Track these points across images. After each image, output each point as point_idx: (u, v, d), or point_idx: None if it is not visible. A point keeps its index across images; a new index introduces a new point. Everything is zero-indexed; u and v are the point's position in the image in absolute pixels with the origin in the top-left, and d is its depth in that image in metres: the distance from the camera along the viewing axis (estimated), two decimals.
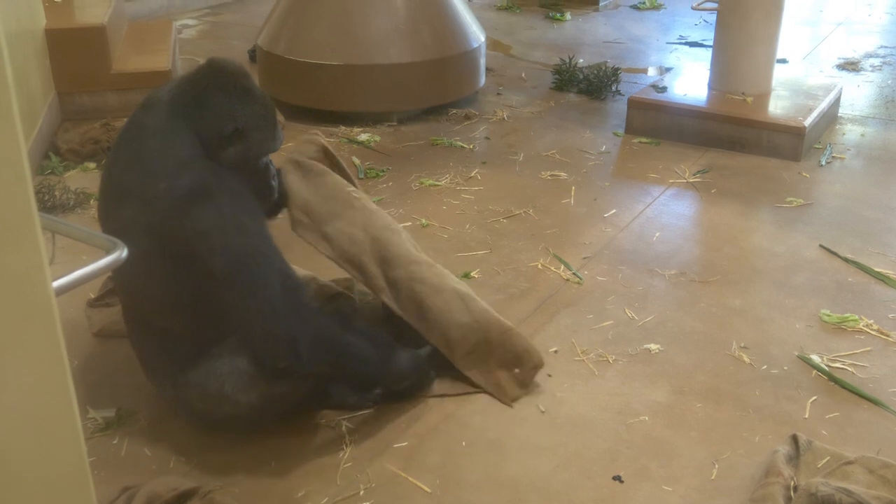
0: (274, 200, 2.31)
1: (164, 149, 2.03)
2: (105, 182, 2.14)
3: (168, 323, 2.13)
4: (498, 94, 4.88)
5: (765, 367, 2.53)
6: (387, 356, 2.26)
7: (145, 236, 1.95)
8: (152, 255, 1.96)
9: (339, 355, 2.14)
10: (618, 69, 4.99)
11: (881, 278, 2.98)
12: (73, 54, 4.20)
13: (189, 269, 1.99)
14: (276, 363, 2.06)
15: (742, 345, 2.63)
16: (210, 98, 2.07)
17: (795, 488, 2.00)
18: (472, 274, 2.99)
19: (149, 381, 2.27)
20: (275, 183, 2.27)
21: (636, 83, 4.96)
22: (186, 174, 1.99)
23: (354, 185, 2.52)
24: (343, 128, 4.29)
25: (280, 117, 4.27)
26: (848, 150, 4.11)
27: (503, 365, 2.40)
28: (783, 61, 5.10)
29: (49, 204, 3.39)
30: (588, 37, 6.11)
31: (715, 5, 4.53)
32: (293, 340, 2.03)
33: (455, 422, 2.30)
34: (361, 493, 2.06)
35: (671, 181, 3.76)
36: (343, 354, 2.15)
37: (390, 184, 3.71)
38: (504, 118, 4.50)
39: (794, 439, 2.17)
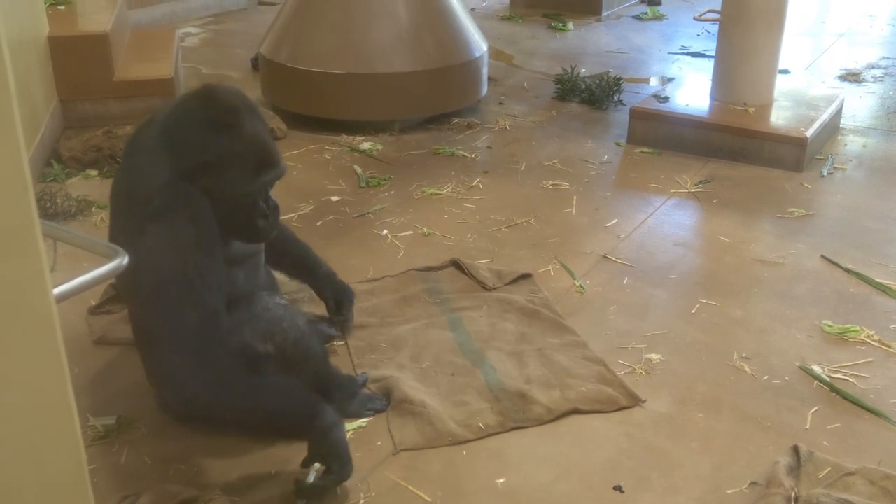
0: (262, 239, 2.24)
1: (149, 168, 2.04)
2: (111, 190, 2.19)
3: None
4: (500, 103, 4.89)
5: (766, 377, 2.52)
6: (311, 409, 2.04)
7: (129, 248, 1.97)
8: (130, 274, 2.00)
9: (243, 403, 2.06)
10: (620, 79, 4.99)
11: (882, 289, 2.98)
12: (76, 62, 4.21)
13: (128, 284, 2.03)
14: (168, 397, 2.10)
15: (743, 355, 2.62)
16: (188, 126, 2.04)
17: (797, 499, 1.99)
18: None
19: (152, 387, 2.27)
20: (263, 223, 2.16)
21: (638, 93, 4.97)
22: (159, 196, 1.99)
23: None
24: (345, 136, 4.30)
25: (281, 125, 4.30)
26: (850, 160, 4.11)
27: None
28: (785, 72, 5.12)
29: (51, 211, 3.39)
30: (590, 47, 6.12)
31: (717, 16, 4.54)
32: (185, 383, 1.99)
33: None
34: (361, 501, 2.05)
35: (673, 191, 3.76)
36: (249, 403, 2.06)
37: (392, 192, 3.71)
38: (506, 127, 4.50)
39: (796, 450, 2.16)
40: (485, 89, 4.74)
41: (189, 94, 2.13)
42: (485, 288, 2.93)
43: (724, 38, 4.26)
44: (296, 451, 2.20)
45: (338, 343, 2.63)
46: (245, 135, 2.05)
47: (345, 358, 2.57)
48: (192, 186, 2.02)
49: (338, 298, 2.65)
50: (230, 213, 2.09)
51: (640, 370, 2.54)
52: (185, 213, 1.99)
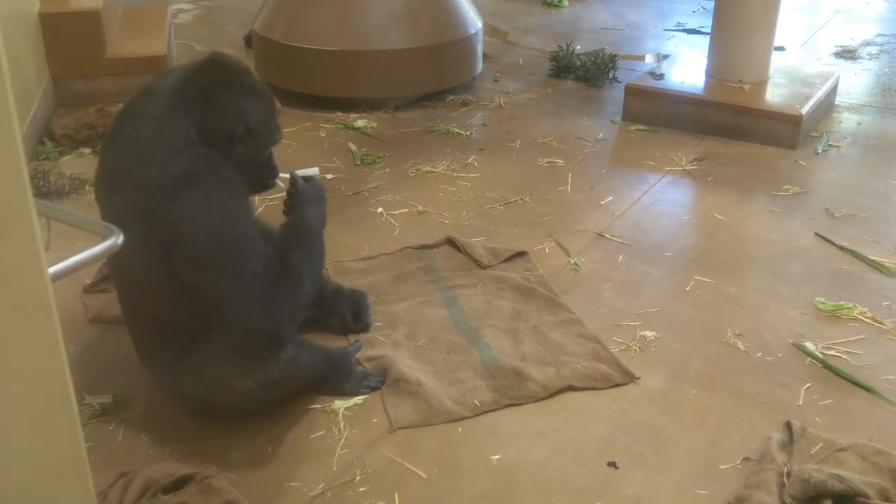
0: (273, 185, 2.32)
1: (160, 136, 2.02)
2: (101, 167, 2.14)
3: (162, 311, 2.13)
4: (495, 80, 4.87)
5: (759, 354, 2.54)
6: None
7: (137, 222, 1.95)
8: (144, 241, 1.96)
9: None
10: (615, 56, 4.97)
11: (876, 266, 2.99)
12: (68, 39, 4.18)
13: (176, 256, 1.98)
14: (253, 352, 2.08)
15: (737, 332, 2.63)
16: (219, 97, 2.08)
17: (789, 475, 2.01)
18: None
19: (144, 368, 2.27)
20: (275, 164, 2.29)
21: (633, 70, 4.95)
22: (178, 160, 1.99)
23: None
24: (339, 114, 4.28)
25: (277, 104, 4.28)
26: (844, 138, 4.11)
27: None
28: (781, 49, 5.10)
29: (44, 189, 3.38)
30: (586, 23, 6.09)
31: None
32: (271, 331, 2.05)
33: None
34: (358, 478, 2.06)
35: (668, 169, 3.76)
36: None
37: (387, 170, 3.70)
38: (501, 105, 4.49)
39: (788, 426, 2.18)
40: (480, 66, 4.72)
41: (199, 66, 2.13)
42: (480, 266, 2.94)
43: (719, 15, 4.24)
44: (291, 431, 2.21)
45: (332, 321, 2.63)
46: (264, 91, 2.20)
47: (338, 335, 2.58)
48: (205, 148, 2.05)
49: (355, 310, 2.60)
50: (254, 168, 2.19)
51: (635, 347, 2.55)
52: (213, 174, 2.01)
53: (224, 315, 2.03)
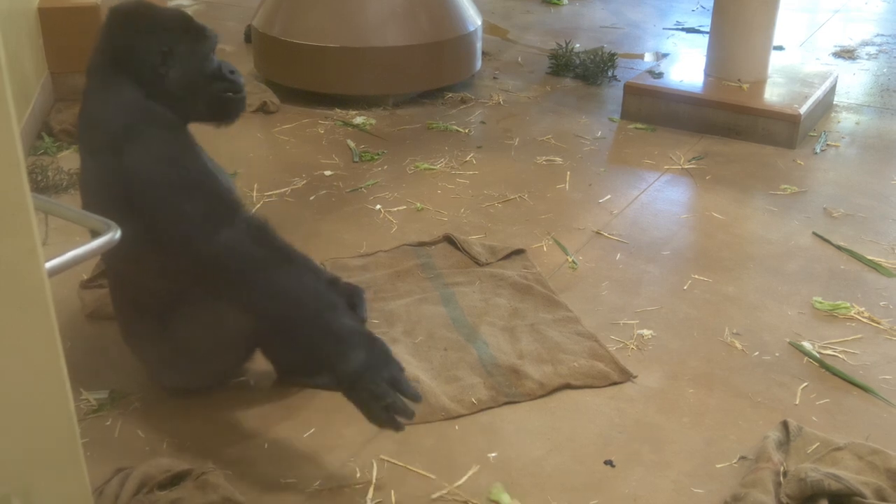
0: (242, 97, 2.24)
1: (104, 104, 2.08)
2: (79, 148, 2.20)
3: (151, 281, 2.15)
4: (494, 78, 4.87)
5: (757, 353, 2.54)
6: (333, 315, 1.96)
7: (103, 191, 2.01)
8: (112, 209, 1.98)
9: (253, 278, 1.96)
10: (614, 54, 4.97)
11: (873, 266, 2.99)
12: (67, 34, 4.17)
13: (132, 213, 1.95)
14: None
15: (734, 331, 2.64)
16: (129, 40, 2.09)
17: (785, 474, 2.01)
18: None
19: (130, 347, 2.28)
20: (234, 76, 2.20)
21: (632, 69, 4.95)
22: (119, 118, 2.03)
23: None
24: (338, 110, 4.27)
25: (274, 98, 4.28)
26: (843, 138, 4.12)
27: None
28: (779, 48, 5.10)
29: (42, 185, 3.37)
30: (585, 21, 6.08)
31: None
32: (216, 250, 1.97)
33: None
34: (354, 476, 2.06)
35: (666, 167, 3.76)
36: (260, 279, 1.96)
37: (386, 167, 3.70)
38: (500, 102, 4.49)
39: (785, 425, 2.18)
40: (479, 64, 4.71)
41: (104, 26, 2.15)
42: (478, 263, 2.94)
43: (719, 14, 4.24)
44: (286, 427, 2.21)
45: None
46: (172, 16, 2.16)
47: None
48: (147, 101, 2.07)
49: (350, 303, 2.55)
50: (198, 97, 2.14)
51: (632, 346, 2.55)
52: (154, 123, 2.04)
53: (174, 251, 2.02)
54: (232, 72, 2.21)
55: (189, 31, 2.15)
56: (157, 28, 2.11)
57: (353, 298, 2.59)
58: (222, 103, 2.21)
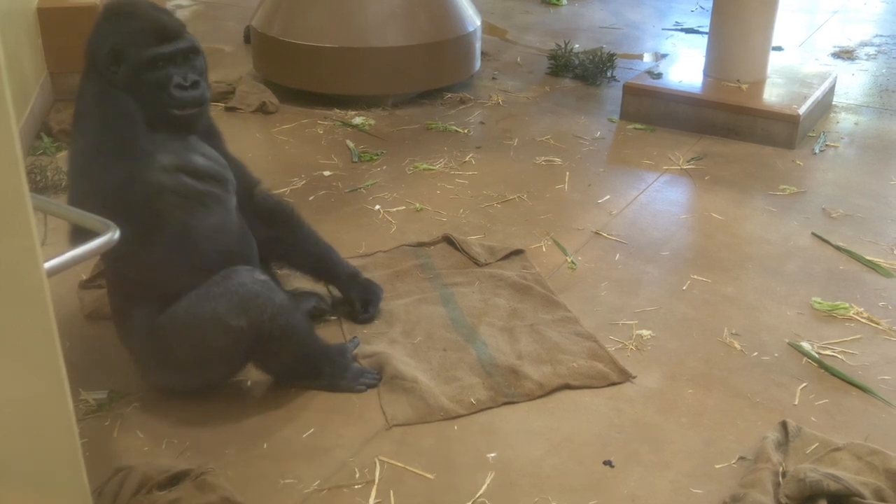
0: (188, 114, 2.19)
1: (78, 95, 2.20)
2: None
3: (144, 273, 2.17)
4: (493, 78, 4.87)
5: (756, 353, 2.54)
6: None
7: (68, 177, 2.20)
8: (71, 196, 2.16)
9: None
10: (613, 55, 4.97)
11: (872, 266, 2.99)
12: (66, 34, 4.16)
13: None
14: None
15: (733, 331, 2.64)
16: (92, 35, 2.20)
17: (784, 474, 2.01)
18: None
19: (122, 341, 2.28)
20: (180, 92, 2.14)
21: (632, 69, 4.95)
22: (78, 105, 2.18)
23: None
24: (337, 111, 4.27)
25: (273, 99, 4.28)
26: (842, 138, 4.12)
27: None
28: (778, 49, 5.10)
29: (41, 185, 3.37)
30: (584, 22, 6.08)
31: None
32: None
33: None
34: (353, 476, 2.06)
35: (665, 168, 3.76)
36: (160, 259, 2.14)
37: (385, 168, 3.70)
38: (499, 103, 4.49)
39: (784, 426, 2.18)
40: (478, 64, 4.71)
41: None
42: (477, 264, 2.94)
43: (718, 15, 4.24)
44: (286, 427, 2.21)
45: (330, 317, 2.64)
46: (140, 16, 2.17)
47: (336, 331, 2.58)
48: (103, 88, 2.15)
49: (365, 298, 2.62)
50: (148, 95, 2.14)
51: (631, 346, 2.55)
52: (101, 106, 2.12)
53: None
54: (181, 86, 2.13)
55: (143, 34, 2.13)
56: (115, 26, 2.17)
57: (368, 295, 2.63)
58: (167, 118, 2.16)
